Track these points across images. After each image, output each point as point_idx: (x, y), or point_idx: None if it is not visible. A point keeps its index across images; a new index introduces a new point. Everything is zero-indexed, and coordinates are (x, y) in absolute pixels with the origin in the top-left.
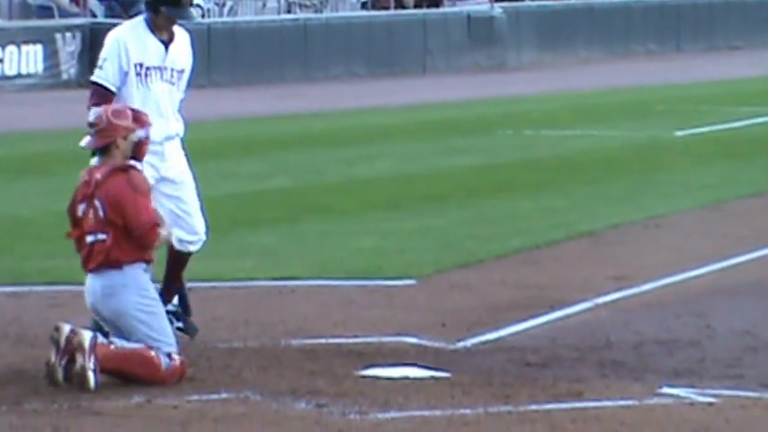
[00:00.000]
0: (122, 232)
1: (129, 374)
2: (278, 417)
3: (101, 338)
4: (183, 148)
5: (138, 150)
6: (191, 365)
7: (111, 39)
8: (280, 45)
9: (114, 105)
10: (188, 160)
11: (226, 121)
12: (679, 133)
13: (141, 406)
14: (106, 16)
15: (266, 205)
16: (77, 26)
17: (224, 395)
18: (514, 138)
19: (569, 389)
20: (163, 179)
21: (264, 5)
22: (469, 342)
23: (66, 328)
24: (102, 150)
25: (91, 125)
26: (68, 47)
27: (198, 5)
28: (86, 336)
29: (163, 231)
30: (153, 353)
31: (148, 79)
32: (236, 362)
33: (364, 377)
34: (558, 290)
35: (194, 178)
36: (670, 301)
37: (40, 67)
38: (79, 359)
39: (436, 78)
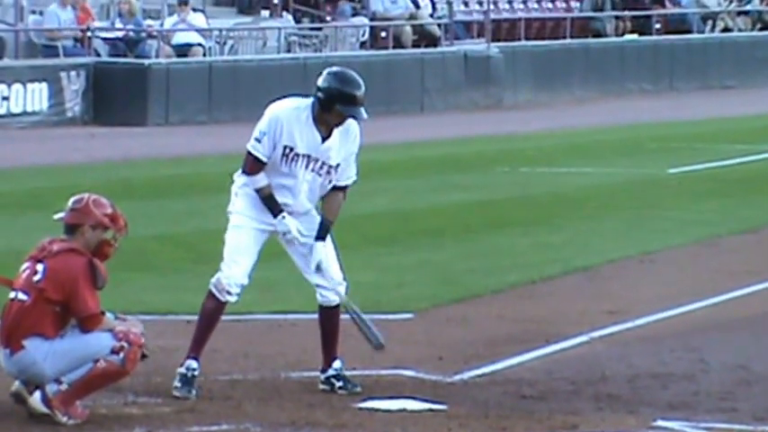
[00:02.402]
0: (47, 303)
1: (99, 389)
2: None
3: (49, 390)
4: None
5: (100, 249)
6: (193, 399)
7: (272, 114)
8: (280, 83)
9: (101, 198)
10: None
11: (226, 157)
12: (673, 170)
13: None
14: (110, 55)
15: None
16: (82, 65)
17: (225, 426)
18: (511, 175)
19: (565, 421)
20: (292, 240)
21: (265, 44)
22: (466, 375)
23: (24, 398)
24: (69, 229)
25: (71, 203)
26: (73, 85)
27: (200, 44)
28: (38, 402)
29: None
30: (101, 363)
31: (294, 164)
32: (237, 394)
33: (363, 409)
34: (554, 324)
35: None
36: (664, 336)
37: (45, 105)
38: (49, 417)
39: (434, 116)
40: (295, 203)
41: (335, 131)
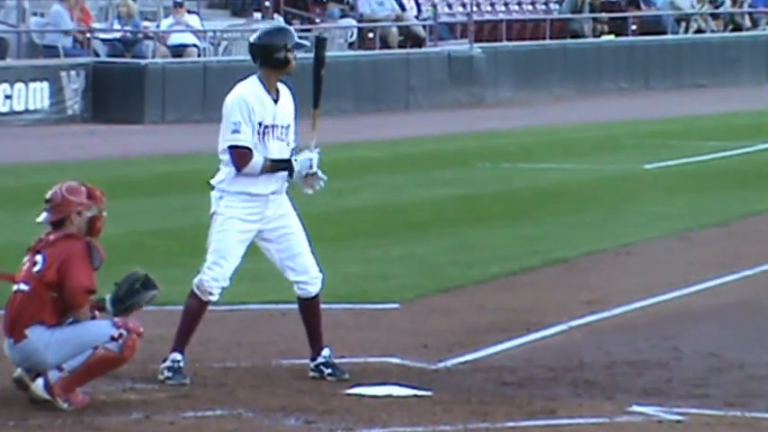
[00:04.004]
0: (45, 288)
1: (98, 375)
2: None
3: (51, 377)
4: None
5: (92, 226)
6: (188, 385)
7: (236, 101)
8: None
9: (70, 182)
10: (292, 202)
11: None
12: (648, 166)
13: (140, 422)
14: (108, 56)
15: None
16: (81, 65)
17: (218, 412)
18: (492, 170)
19: (544, 407)
20: (264, 228)
21: None
22: (450, 363)
23: (26, 384)
24: (57, 224)
25: (47, 201)
26: (73, 84)
27: (194, 45)
28: (40, 388)
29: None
30: (100, 351)
31: (266, 138)
32: (230, 380)
33: (350, 395)
34: (534, 314)
35: (301, 220)
36: (639, 325)
37: (46, 103)
38: (50, 403)
39: (419, 114)
40: (273, 180)
41: (281, 92)
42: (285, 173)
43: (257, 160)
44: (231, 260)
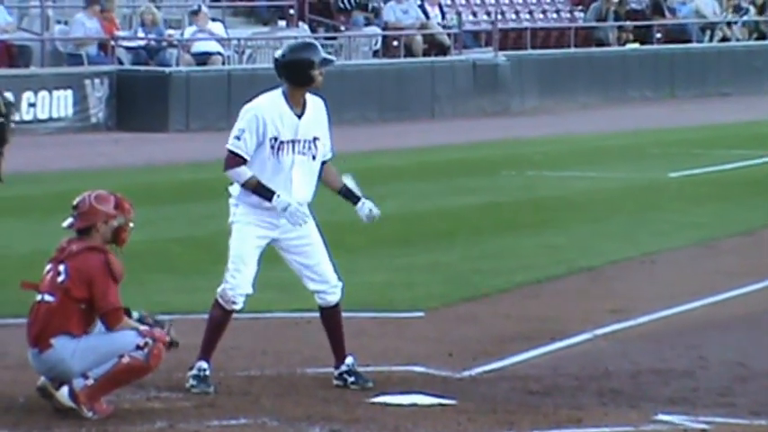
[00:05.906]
0: (73, 301)
1: (124, 384)
2: None
3: (76, 385)
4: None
5: (117, 236)
6: (213, 394)
7: (250, 112)
8: None
9: (99, 191)
10: (310, 211)
11: None
12: (673, 175)
13: (164, 430)
14: (132, 63)
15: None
16: (105, 73)
17: (243, 421)
18: (518, 178)
19: (569, 416)
20: (281, 237)
21: None
22: (475, 371)
23: (50, 393)
24: (83, 232)
25: (74, 207)
26: (97, 92)
27: (219, 53)
28: (65, 397)
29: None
30: (126, 359)
31: (280, 152)
32: (255, 389)
33: (375, 404)
34: (559, 322)
35: (319, 229)
36: (665, 334)
37: (70, 111)
38: (74, 411)
39: (444, 122)
40: (288, 195)
41: (309, 105)
42: (301, 184)
43: (244, 171)
44: (249, 267)
